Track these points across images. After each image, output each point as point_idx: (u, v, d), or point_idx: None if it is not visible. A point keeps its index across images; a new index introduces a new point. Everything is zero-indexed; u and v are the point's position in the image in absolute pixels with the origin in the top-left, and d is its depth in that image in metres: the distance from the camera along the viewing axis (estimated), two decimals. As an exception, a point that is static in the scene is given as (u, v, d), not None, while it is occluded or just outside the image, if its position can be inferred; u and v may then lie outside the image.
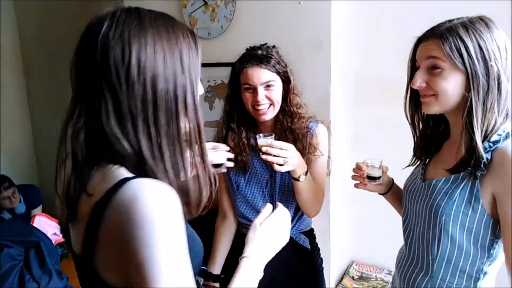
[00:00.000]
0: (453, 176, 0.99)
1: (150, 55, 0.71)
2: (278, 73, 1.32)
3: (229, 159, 1.21)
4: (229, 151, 1.26)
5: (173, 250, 0.63)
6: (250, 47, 1.39)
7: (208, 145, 1.08)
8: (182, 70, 0.75)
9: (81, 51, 0.72)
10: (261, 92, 1.29)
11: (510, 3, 1.68)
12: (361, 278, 2.18)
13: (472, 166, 0.93)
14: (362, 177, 1.23)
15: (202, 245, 0.86)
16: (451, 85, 0.95)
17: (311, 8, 1.86)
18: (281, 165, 1.23)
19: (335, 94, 1.94)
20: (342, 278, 2.20)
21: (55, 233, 2.09)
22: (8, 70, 3.72)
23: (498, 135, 0.93)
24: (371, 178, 1.21)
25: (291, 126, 1.34)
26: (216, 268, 1.48)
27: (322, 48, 1.88)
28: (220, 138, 1.42)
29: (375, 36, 2.06)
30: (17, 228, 1.98)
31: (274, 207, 0.98)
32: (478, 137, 0.92)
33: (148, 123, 0.71)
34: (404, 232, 1.15)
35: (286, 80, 1.34)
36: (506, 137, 0.93)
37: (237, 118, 1.39)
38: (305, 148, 1.35)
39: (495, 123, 0.94)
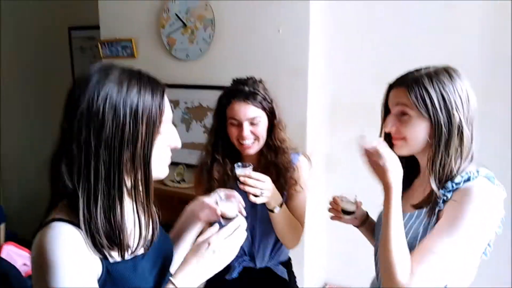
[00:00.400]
0: (416, 211, 1.05)
1: (100, 103, 0.78)
2: (264, 109, 1.34)
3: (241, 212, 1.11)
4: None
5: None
6: (236, 79, 1.41)
7: (220, 193, 1.04)
8: (134, 121, 0.79)
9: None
10: (247, 127, 1.31)
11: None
12: (334, 300, 2.20)
13: (432, 203, 1.00)
14: (338, 211, 1.28)
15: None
16: (417, 131, 1.02)
17: (290, 36, 1.92)
18: (256, 196, 1.26)
19: (312, 118, 1.99)
20: (315, 300, 2.22)
21: (25, 264, 1.99)
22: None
23: (461, 176, 1.00)
24: (346, 213, 1.26)
25: (275, 160, 1.37)
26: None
27: (300, 75, 1.93)
28: (205, 170, 1.43)
29: (350, 62, 2.13)
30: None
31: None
32: (433, 180, 1.00)
33: (89, 167, 0.78)
34: (376, 263, 1.19)
35: (271, 115, 1.37)
36: (468, 179, 0.99)
37: (222, 150, 1.40)
38: (287, 182, 1.38)
39: (458, 166, 1.01)
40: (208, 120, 2.20)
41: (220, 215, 1.04)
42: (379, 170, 1.02)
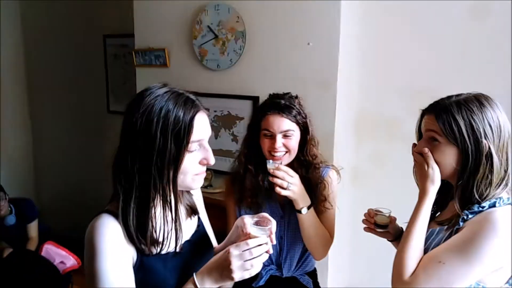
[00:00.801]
0: (438, 228, 1.10)
1: (139, 117, 0.89)
2: (297, 123, 1.38)
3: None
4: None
5: (99, 268, 0.87)
6: (273, 93, 1.46)
7: (252, 220, 1.01)
8: (163, 136, 0.89)
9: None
10: (279, 140, 1.35)
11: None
12: (356, 310, 2.21)
13: (454, 222, 1.05)
14: (371, 223, 1.30)
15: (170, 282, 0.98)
16: (446, 158, 1.06)
17: (320, 49, 1.95)
18: (284, 188, 1.31)
19: (339, 130, 2.01)
20: (338, 310, 2.24)
21: (62, 262, 2.10)
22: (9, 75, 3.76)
23: (489, 201, 1.02)
24: (379, 226, 1.28)
25: (306, 175, 1.40)
26: None
27: (329, 87, 1.95)
28: (237, 179, 1.48)
29: (378, 76, 2.14)
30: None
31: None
32: (457, 203, 1.04)
33: (127, 174, 0.91)
34: None
35: (304, 130, 1.41)
36: (493, 205, 1.01)
37: (254, 161, 1.44)
38: (317, 198, 1.41)
39: (488, 193, 1.03)
40: (237, 129, 2.26)
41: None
42: (422, 175, 1.08)
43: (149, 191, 0.92)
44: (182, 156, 0.92)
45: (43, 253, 2.11)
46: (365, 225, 1.34)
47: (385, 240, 1.36)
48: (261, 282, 1.48)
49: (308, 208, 1.37)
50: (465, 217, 1.02)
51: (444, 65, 1.97)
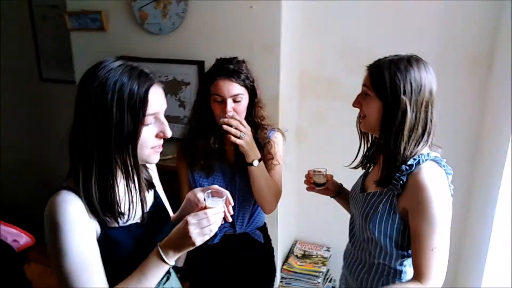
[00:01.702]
0: (378, 191, 1.19)
1: (93, 91, 0.90)
2: (246, 87, 1.43)
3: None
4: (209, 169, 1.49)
5: (64, 244, 0.88)
6: (220, 58, 1.48)
7: (208, 193, 1.07)
8: (119, 110, 0.90)
9: None
10: (230, 104, 1.39)
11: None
12: (304, 256, 2.43)
13: (391, 185, 1.13)
14: (311, 183, 1.44)
15: (133, 250, 1.02)
16: (372, 111, 1.15)
17: (262, 12, 1.97)
18: (237, 137, 1.37)
19: (283, 92, 2.10)
20: (287, 257, 2.44)
21: (15, 240, 2.03)
22: None
23: (413, 159, 1.11)
24: (318, 185, 1.43)
25: (254, 136, 1.46)
26: None
27: (272, 50, 2.00)
28: (189, 143, 1.51)
29: (319, 38, 2.23)
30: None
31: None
32: (385, 158, 1.14)
33: (85, 149, 0.92)
34: (350, 231, 1.36)
35: (252, 94, 1.46)
36: (418, 162, 1.09)
37: (205, 125, 1.48)
38: (265, 156, 1.49)
39: (408, 148, 1.11)
40: (183, 94, 2.26)
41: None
42: None
43: (110, 165, 0.94)
44: (139, 129, 0.93)
45: None
46: (306, 186, 1.47)
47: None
48: (216, 240, 1.57)
49: (259, 161, 1.45)
50: (401, 182, 1.10)
51: (380, 27, 2.10)
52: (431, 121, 1.13)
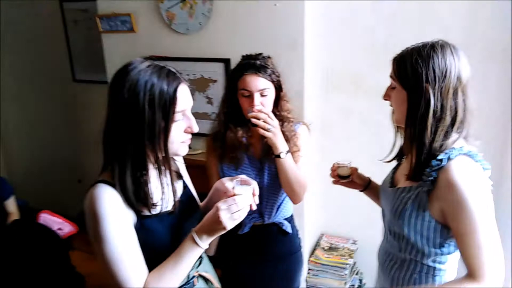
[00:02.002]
0: (408, 186, 1.13)
1: (126, 91, 0.97)
2: (272, 81, 1.48)
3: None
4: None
5: (105, 232, 0.97)
6: (246, 55, 1.53)
7: (238, 179, 1.15)
8: (151, 108, 0.98)
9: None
10: (257, 98, 1.45)
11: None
12: (330, 248, 2.47)
13: (422, 180, 1.07)
14: (335, 175, 1.46)
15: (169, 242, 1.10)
16: (398, 102, 1.11)
17: (286, 10, 2.01)
18: (266, 130, 1.41)
19: (308, 87, 2.13)
20: (314, 250, 2.49)
21: (59, 228, 2.19)
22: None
23: (444, 153, 1.04)
24: (343, 177, 1.45)
25: (281, 129, 1.51)
26: None
27: (297, 46, 2.04)
28: (219, 137, 1.58)
29: (342, 33, 2.25)
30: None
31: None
32: (415, 150, 1.08)
33: (119, 144, 1.00)
34: (384, 226, 1.32)
35: (278, 88, 1.51)
36: (449, 157, 1.03)
37: (234, 119, 1.54)
38: (291, 148, 1.53)
39: (441, 141, 1.05)
40: (211, 91, 2.33)
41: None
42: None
43: (143, 159, 1.02)
44: (169, 126, 1.01)
45: (40, 221, 2.19)
46: (332, 179, 1.49)
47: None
48: (246, 230, 1.64)
49: (286, 153, 1.49)
50: (431, 178, 1.04)
51: (404, 22, 2.10)
52: (463, 109, 1.06)
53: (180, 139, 1.06)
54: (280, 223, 1.68)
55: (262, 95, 1.46)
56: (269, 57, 1.54)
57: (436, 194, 1.05)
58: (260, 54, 1.53)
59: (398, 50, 1.19)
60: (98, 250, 1.00)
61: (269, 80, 1.47)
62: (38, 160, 3.88)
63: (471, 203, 0.99)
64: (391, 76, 1.13)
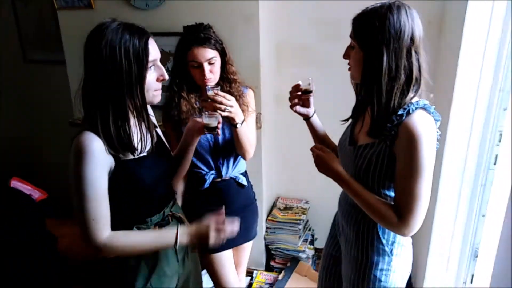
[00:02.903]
0: (370, 142, 1.19)
1: (103, 48, 1.10)
2: (217, 49, 1.65)
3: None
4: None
5: (87, 173, 1.10)
6: (187, 26, 1.68)
7: (205, 113, 1.41)
8: (128, 61, 1.12)
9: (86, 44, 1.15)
10: (207, 67, 1.62)
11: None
12: (286, 208, 2.71)
13: (383, 136, 1.14)
14: (299, 93, 1.49)
15: (149, 186, 1.26)
16: (355, 61, 1.16)
17: (242, -14, 2.19)
18: (222, 110, 1.54)
19: (263, 59, 2.33)
20: (271, 210, 2.72)
21: (30, 194, 2.21)
22: None
23: (403, 109, 1.10)
24: (305, 92, 1.50)
25: (229, 90, 1.69)
26: None
27: (252, 20, 2.23)
28: (174, 106, 1.70)
29: (294, 8, 2.46)
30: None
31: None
32: (374, 109, 1.12)
33: (101, 96, 1.14)
34: (340, 198, 1.44)
35: (223, 54, 1.68)
36: (408, 112, 1.09)
37: (186, 88, 1.70)
38: (240, 106, 1.68)
39: (388, 98, 1.11)
40: (171, 64, 2.45)
41: (204, 126, 1.42)
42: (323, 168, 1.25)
43: (124, 108, 1.15)
44: (144, 75, 1.15)
45: (12, 186, 2.21)
46: (292, 100, 1.53)
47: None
48: (206, 185, 1.79)
49: (242, 122, 1.65)
50: (392, 133, 1.11)
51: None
52: (417, 68, 1.11)
53: (154, 87, 1.20)
54: (236, 177, 1.85)
55: (210, 63, 1.63)
56: (210, 27, 1.68)
57: (396, 146, 1.12)
58: (201, 24, 1.68)
59: (344, 24, 1.26)
60: (75, 189, 1.12)
61: (214, 49, 1.63)
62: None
63: (420, 151, 1.07)
64: (350, 36, 1.17)
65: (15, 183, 2.24)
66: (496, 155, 1.82)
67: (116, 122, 1.15)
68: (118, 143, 1.16)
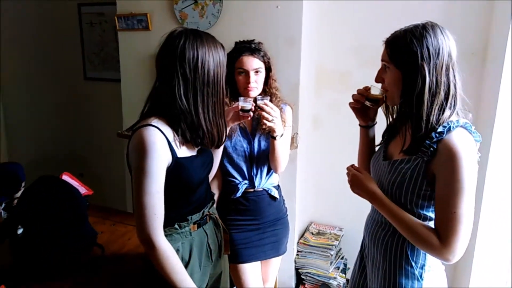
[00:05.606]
0: (406, 158, 1.17)
1: (207, 58, 1.24)
2: (264, 62, 1.74)
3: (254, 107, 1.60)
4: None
5: (149, 166, 1.16)
6: (240, 40, 1.81)
7: (241, 98, 1.57)
8: (219, 66, 1.28)
9: (164, 53, 1.25)
10: (253, 75, 1.71)
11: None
12: (318, 233, 2.67)
13: (421, 152, 1.12)
14: (363, 96, 1.34)
15: (202, 177, 1.37)
16: (393, 82, 1.16)
17: (286, 11, 2.31)
18: (269, 121, 1.63)
19: (303, 82, 2.41)
20: (304, 233, 2.68)
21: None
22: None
23: (443, 127, 1.09)
24: (371, 100, 1.32)
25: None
26: None
27: (294, 44, 2.33)
28: None
29: (334, 34, 2.55)
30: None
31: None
32: (414, 127, 1.12)
33: (202, 95, 1.26)
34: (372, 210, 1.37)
35: (268, 69, 1.77)
36: (449, 129, 1.08)
37: (230, 94, 1.77)
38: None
39: (437, 116, 1.10)
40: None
41: (240, 109, 1.54)
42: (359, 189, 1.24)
43: (197, 113, 1.25)
44: (223, 82, 1.30)
45: (64, 178, 2.41)
46: (354, 100, 1.37)
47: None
48: (238, 194, 1.83)
49: (281, 136, 1.72)
50: (431, 149, 1.09)
51: (388, 25, 2.39)
52: (454, 85, 1.12)
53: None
54: (269, 189, 1.88)
55: (256, 73, 1.71)
56: (260, 43, 1.79)
57: (433, 163, 1.10)
58: (253, 40, 1.80)
59: (381, 50, 1.22)
60: (137, 182, 1.16)
61: (261, 61, 1.73)
62: (42, 152, 4.05)
63: (461, 171, 1.05)
64: (383, 60, 1.18)
65: (66, 177, 2.42)
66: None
67: (214, 118, 1.29)
68: (192, 137, 1.27)
